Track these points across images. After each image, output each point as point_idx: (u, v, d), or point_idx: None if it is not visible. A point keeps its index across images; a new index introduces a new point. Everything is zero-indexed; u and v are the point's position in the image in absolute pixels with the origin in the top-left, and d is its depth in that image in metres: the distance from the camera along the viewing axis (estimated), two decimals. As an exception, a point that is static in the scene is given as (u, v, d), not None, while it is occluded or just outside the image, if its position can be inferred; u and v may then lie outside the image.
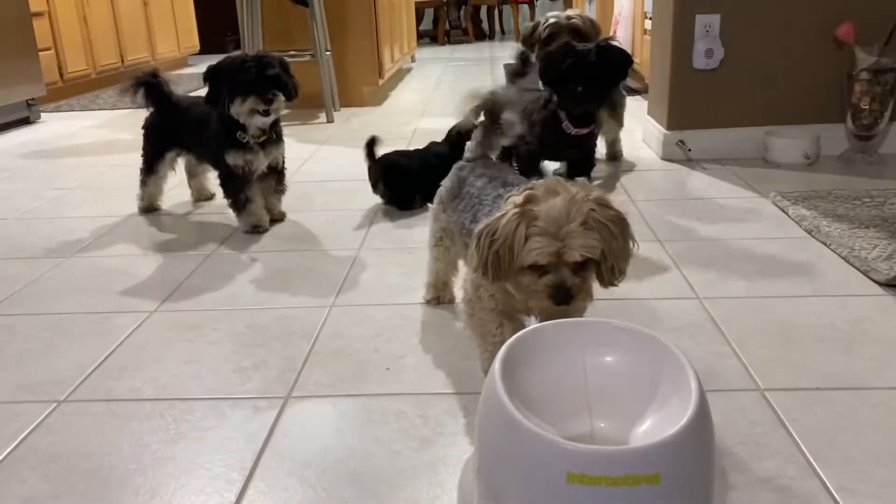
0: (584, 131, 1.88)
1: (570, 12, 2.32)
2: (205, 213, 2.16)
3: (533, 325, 0.96)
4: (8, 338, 1.39)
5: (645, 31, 3.39)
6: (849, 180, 2.16)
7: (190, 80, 4.95)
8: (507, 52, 6.47)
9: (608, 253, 0.96)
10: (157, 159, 2.10)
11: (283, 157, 2.01)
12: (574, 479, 0.68)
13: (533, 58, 2.30)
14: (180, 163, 2.19)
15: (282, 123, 1.97)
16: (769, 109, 2.43)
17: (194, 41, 6.25)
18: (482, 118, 1.28)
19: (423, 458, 0.99)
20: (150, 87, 2.02)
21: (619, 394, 0.86)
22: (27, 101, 3.71)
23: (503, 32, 8.48)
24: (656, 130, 2.57)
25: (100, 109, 4.11)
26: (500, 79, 4.68)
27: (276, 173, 2.00)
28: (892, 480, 0.91)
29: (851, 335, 1.27)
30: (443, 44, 7.69)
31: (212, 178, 2.17)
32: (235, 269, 1.69)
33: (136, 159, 2.14)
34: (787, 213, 1.88)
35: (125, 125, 3.55)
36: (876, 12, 2.27)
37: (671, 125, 2.48)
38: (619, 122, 2.46)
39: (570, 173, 2.00)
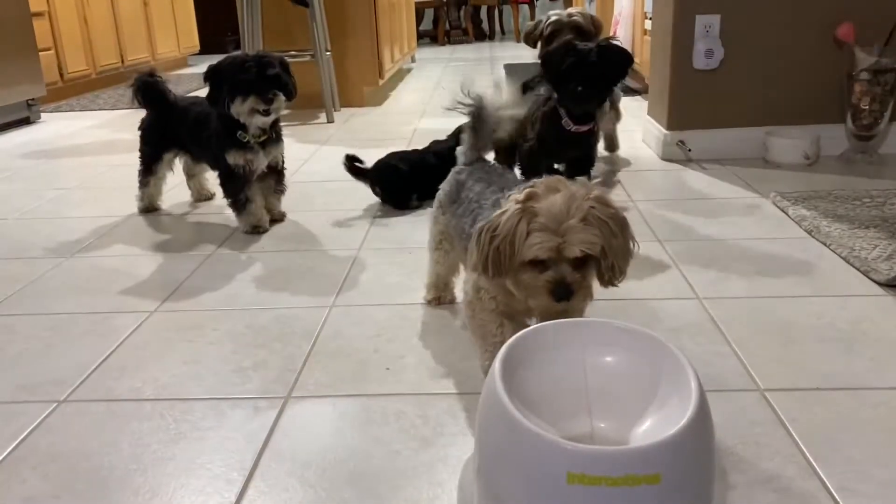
0: (585, 128, 1.88)
1: (571, 10, 2.34)
2: (205, 213, 2.16)
3: (533, 325, 0.96)
4: (8, 338, 1.39)
5: (645, 32, 3.39)
6: (849, 180, 2.16)
7: (190, 80, 4.95)
8: (507, 52, 6.48)
9: (608, 250, 0.96)
10: (154, 160, 2.10)
11: (283, 156, 2.01)
12: (574, 479, 0.68)
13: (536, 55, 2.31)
14: (179, 163, 2.19)
15: (282, 123, 1.97)
16: (769, 109, 2.43)
17: (194, 41, 6.25)
18: (469, 121, 1.27)
19: (423, 458, 0.99)
20: (147, 87, 2.02)
21: (619, 394, 0.86)
22: (27, 101, 3.71)
23: (503, 32, 8.48)
24: (656, 130, 2.57)
25: (100, 109, 4.11)
26: (500, 79, 4.69)
27: (276, 173, 2.01)
28: (892, 480, 0.91)
29: (851, 335, 1.27)
30: (443, 44, 7.69)
31: (211, 178, 2.17)
32: (235, 269, 1.69)
33: (136, 159, 2.14)
34: (787, 214, 1.88)
35: (125, 125, 3.55)
36: (876, 12, 2.27)
37: (671, 125, 2.48)
38: (617, 114, 2.51)
39: (570, 173, 2.00)
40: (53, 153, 3.04)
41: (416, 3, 6.35)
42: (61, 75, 4.35)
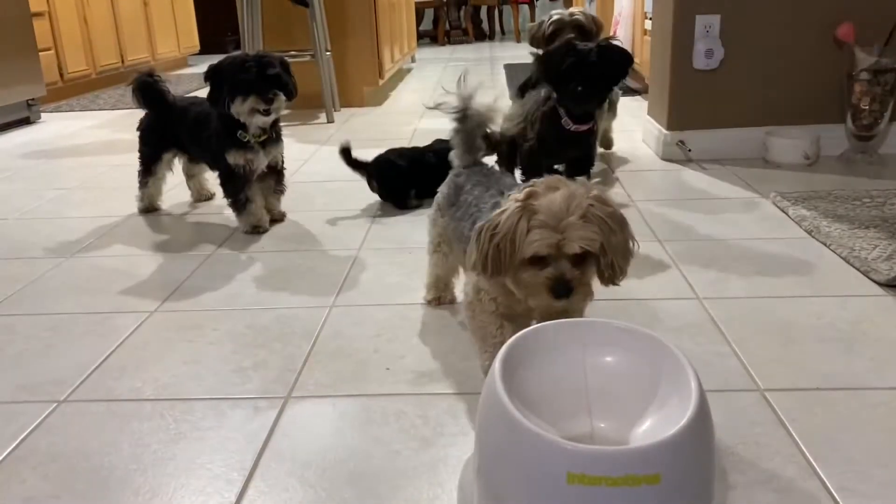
0: (584, 128, 1.88)
1: (573, 10, 2.36)
2: (204, 213, 2.16)
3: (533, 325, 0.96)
4: (8, 338, 1.39)
5: (645, 32, 3.39)
6: (849, 181, 2.16)
7: (190, 81, 4.95)
8: (507, 52, 6.48)
9: (607, 247, 0.96)
10: (153, 161, 2.10)
11: (283, 156, 2.01)
12: (574, 479, 0.68)
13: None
14: (179, 163, 2.19)
15: (282, 123, 1.97)
16: (769, 109, 2.43)
17: (194, 41, 6.25)
18: (456, 124, 1.27)
19: (423, 458, 0.99)
20: (146, 87, 2.02)
21: (619, 394, 0.86)
22: (27, 101, 3.71)
23: (503, 33, 8.48)
24: (656, 130, 2.57)
25: (100, 109, 4.11)
26: (501, 80, 4.69)
27: (276, 173, 2.01)
28: (892, 480, 0.91)
29: (851, 335, 1.27)
30: (443, 44, 7.69)
31: (210, 178, 2.17)
32: (235, 269, 1.69)
33: (136, 160, 2.14)
34: (787, 214, 1.88)
35: (125, 125, 3.55)
36: (876, 12, 2.27)
37: (671, 125, 2.48)
38: (614, 113, 2.55)
39: (570, 172, 2.00)
40: (53, 153, 3.04)
41: (416, 3, 6.35)
42: (61, 75, 4.35)
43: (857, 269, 1.53)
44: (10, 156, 3.02)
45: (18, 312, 1.51)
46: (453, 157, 1.31)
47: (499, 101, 1.27)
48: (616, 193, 2.15)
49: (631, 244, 0.99)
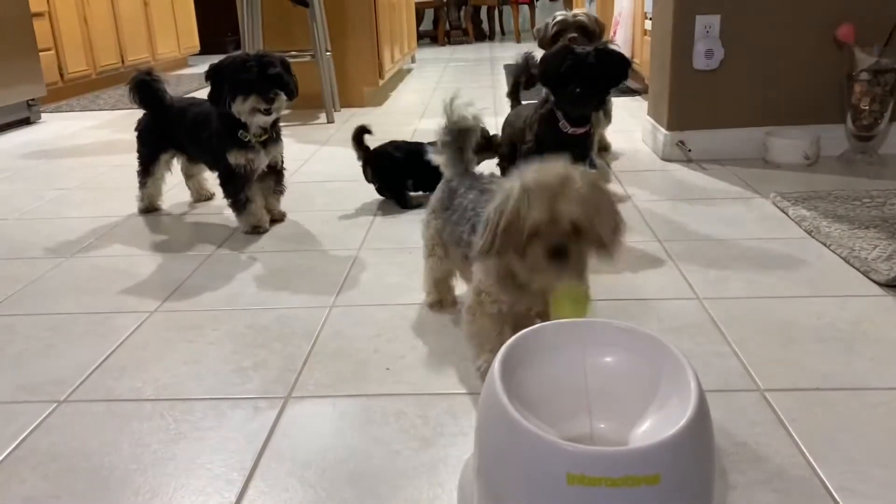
0: (581, 131, 1.88)
1: (576, 11, 2.40)
2: (204, 213, 2.16)
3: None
4: (8, 338, 1.40)
5: (645, 32, 3.39)
6: (849, 181, 2.16)
7: (190, 81, 4.95)
8: (507, 52, 6.48)
9: (597, 219, 1.01)
10: (151, 161, 2.10)
11: (283, 156, 2.01)
12: (574, 479, 0.68)
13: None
14: (177, 164, 2.19)
15: (281, 124, 1.97)
16: (769, 110, 2.43)
17: (194, 41, 6.25)
18: (446, 139, 1.30)
19: (423, 458, 0.99)
20: (144, 86, 2.02)
21: (619, 394, 0.86)
22: (27, 101, 3.71)
23: (503, 33, 8.48)
24: (656, 131, 2.57)
25: (100, 110, 4.11)
26: (500, 80, 4.69)
27: (276, 173, 2.01)
28: (892, 480, 0.91)
29: (851, 335, 1.27)
30: (443, 44, 7.69)
31: (210, 178, 2.17)
32: (235, 269, 1.69)
33: (136, 160, 2.14)
34: (787, 214, 1.88)
35: (125, 125, 3.55)
36: (876, 13, 2.27)
37: (671, 125, 2.48)
38: (608, 118, 2.56)
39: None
40: (53, 153, 3.04)
41: (416, 4, 6.35)
42: (61, 75, 4.35)
43: (857, 270, 1.53)
44: (10, 156, 3.02)
45: (18, 312, 1.51)
46: (444, 168, 1.34)
47: (483, 115, 1.33)
48: (615, 191, 2.15)
49: (619, 219, 1.04)
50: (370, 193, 2.18)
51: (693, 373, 0.79)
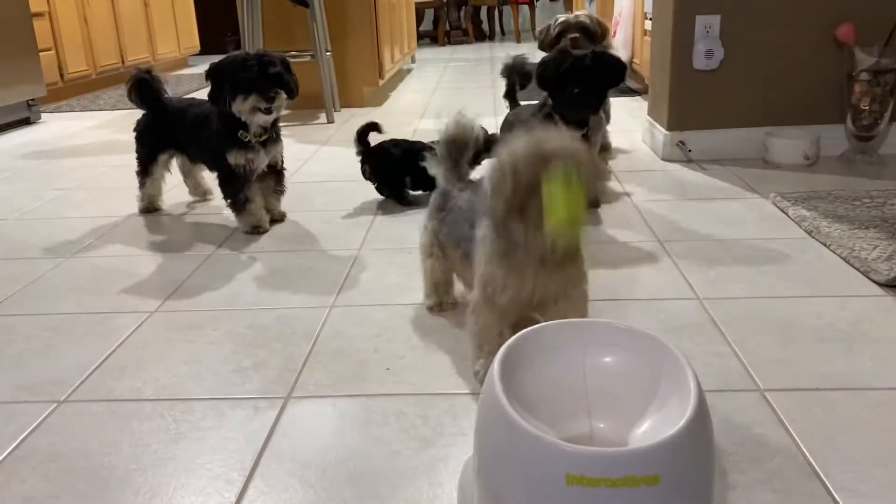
0: (579, 134, 1.89)
1: (578, 13, 2.41)
2: (204, 213, 2.16)
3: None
4: (8, 338, 1.40)
5: (645, 32, 3.39)
6: (849, 181, 2.16)
7: (190, 81, 4.95)
8: (507, 52, 6.48)
9: (584, 167, 1.02)
10: (150, 162, 2.10)
11: (282, 156, 2.01)
12: (573, 480, 0.68)
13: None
14: (177, 163, 2.19)
15: (281, 124, 1.97)
16: (769, 110, 2.43)
17: (195, 41, 6.25)
18: (443, 147, 1.33)
19: (423, 458, 0.99)
20: (142, 85, 2.02)
21: (619, 394, 0.86)
22: (27, 101, 3.71)
23: (503, 33, 8.48)
24: (656, 131, 2.57)
25: (100, 110, 4.11)
26: (500, 80, 4.68)
27: (276, 173, 2.01)
28: (892, 480, 0.91)
29: (851, 335, 1.27)
30: (443, 44, 7.69)
31: (207, 175, 2.17)
32: (235, 269, 1.69)
33: (135, 160, 2.14)
34: (787, 214, 1.88)
35: (126, 126, 3.55)
36: (876, 13, 2.27)
37: (671, 126, 2.48)
38: (607, 118, 2.58)
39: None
40: (53, 153, 3.04)
41: (416, 4, 6.35)
42: (61, 75, 4.35)
43: (857, 270, 1.53)
44: (10, 156, 3.02)
45: (18, 312, 1.51)
46: (440, 179, 1.36)
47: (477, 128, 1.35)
48: (615, 189, 2.15)
49: (602, 167, 1.08)
50: (370, 193, 2.18)
51: (693, 373, 0.79)
